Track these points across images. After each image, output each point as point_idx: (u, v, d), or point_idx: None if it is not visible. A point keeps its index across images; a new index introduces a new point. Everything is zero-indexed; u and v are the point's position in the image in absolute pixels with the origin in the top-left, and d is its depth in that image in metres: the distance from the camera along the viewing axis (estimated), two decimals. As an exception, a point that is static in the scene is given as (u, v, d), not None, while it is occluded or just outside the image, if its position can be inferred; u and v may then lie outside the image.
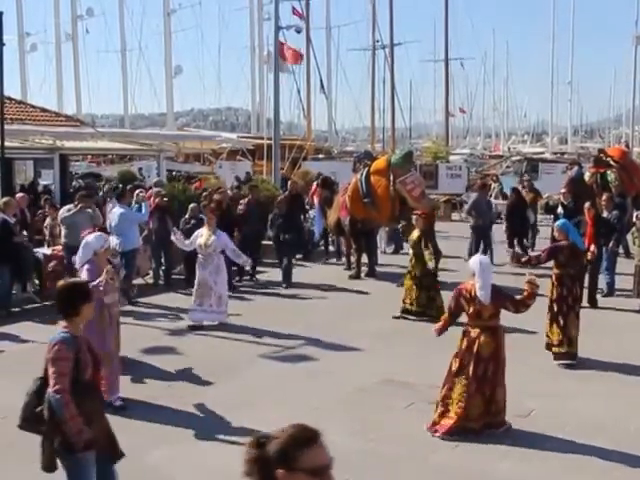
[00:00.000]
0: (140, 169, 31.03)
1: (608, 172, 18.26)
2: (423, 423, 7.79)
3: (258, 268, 16.42)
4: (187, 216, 14.81)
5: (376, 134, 58.79)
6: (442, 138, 49.41)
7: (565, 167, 25.71)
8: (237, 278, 15.46)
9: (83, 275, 8.32)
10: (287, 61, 25.30)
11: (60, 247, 14.46)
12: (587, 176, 18.47)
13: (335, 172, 26.07)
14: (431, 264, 12.32)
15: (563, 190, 17.17)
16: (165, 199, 15.40)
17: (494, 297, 7.56)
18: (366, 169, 15.70)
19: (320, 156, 36.77)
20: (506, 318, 8.05)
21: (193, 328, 11.95)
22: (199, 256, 12.20)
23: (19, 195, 15.98)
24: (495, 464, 7.01)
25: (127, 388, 8.78)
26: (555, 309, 10.10)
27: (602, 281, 14.03)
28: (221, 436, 7.62)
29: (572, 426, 7.81)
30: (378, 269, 16.73)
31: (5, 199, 13.62)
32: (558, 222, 11.11)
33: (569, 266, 10.12)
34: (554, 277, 10.19)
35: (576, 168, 19.19)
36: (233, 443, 7.26)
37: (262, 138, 33.15)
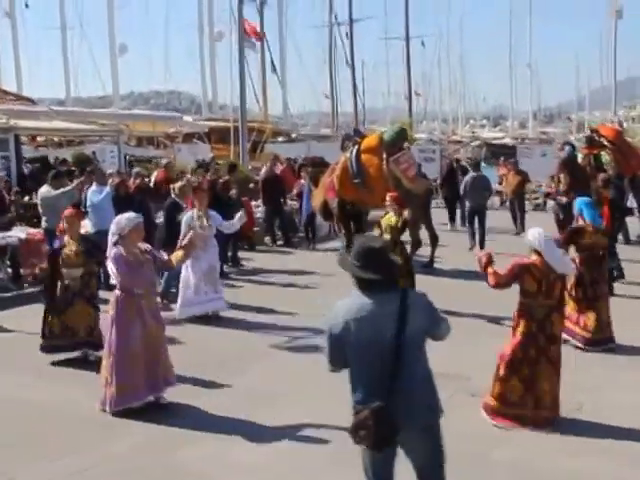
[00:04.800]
0: (93, 152, 29.67)
1: (602, 153, 17.76)
2: (470, 415, 7.15)
3: (240, 254, 15.61)
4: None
5: (327, 119, 57.88)
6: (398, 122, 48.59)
7: (557, 148, 25.28)
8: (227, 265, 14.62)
9: (109, 265, 7.46)
10: (250, 36, 24.21)
11: (34, 231, 13.51)
12: (580, 157, 17.94)
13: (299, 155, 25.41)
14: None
15: (558, 173, 16.65)
16: (146, 180, 14.38)
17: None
18: (356, 147, 14.78)
19: (280, 139, 35.81)
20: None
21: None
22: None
23: (-4, 176, 14.88)
24: (561, 460, 6.38)
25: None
26: (584, 293, 9.49)
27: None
28: (248, 432, 6.96)
29: (626, 417, 7.20)
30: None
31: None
32: (577, 204, 10.31)
33: (592, 248, 9.55)
34: (579, 260, 9.54)
35: (568, 148, 18.59)
36: (262, 439, 6.81)
37: (227, 120, 32.07)
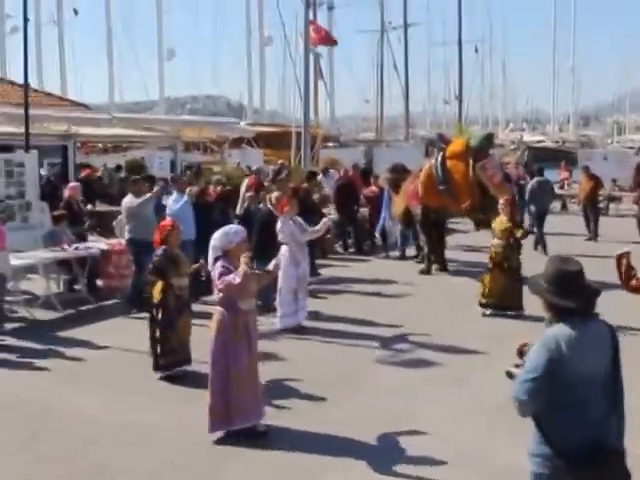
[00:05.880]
0: (142, 159, 29.48)
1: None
2: None
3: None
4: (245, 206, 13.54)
5: (368, 123, 57.38)
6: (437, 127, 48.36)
7: (635, 152, 24.83)
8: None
9: (215, 275, 6.95)
10: (317, 42, 23.77)
11: (114, 241, 13.22)
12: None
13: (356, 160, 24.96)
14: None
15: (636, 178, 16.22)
16: (228, 187, 14.07)
17: None
18: (441, 153, 14.43)
19: (330, 144, 35.45)
20: None
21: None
22: (288, 247, 10.82)
23: (72, 184, 14.61)
24: None
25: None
26: None
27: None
28: (389, 455, 6.57)
29: None
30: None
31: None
32: None
33: None
34: None
35: (642, 152, 18.13)
36: (406, 462, 6.39)
37: (281, 125, 31.78)
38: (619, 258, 6.59)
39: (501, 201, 11.48)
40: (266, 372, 8.56)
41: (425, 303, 12.58)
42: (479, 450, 6.56)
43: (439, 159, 14.33)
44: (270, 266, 7.55)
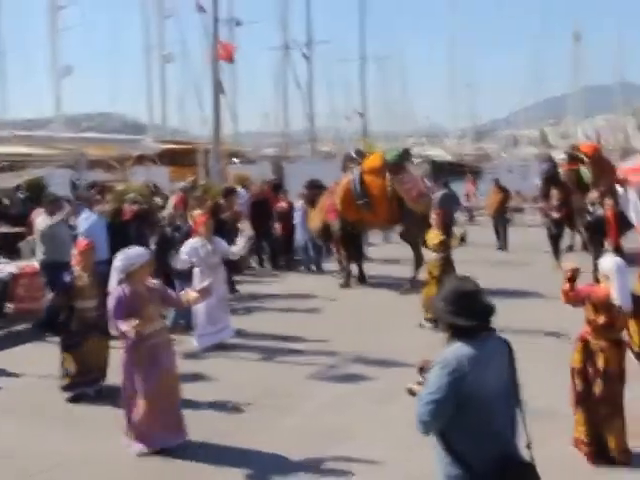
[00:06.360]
0: (42, 178, 28.51)
1: (582, 169, 17.86)
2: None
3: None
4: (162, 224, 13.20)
5: (270, 139, 57.32)
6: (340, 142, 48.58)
7: (539, 165, 25.55)
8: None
9: (109, 304, 6.81)
10: (224, 59, 23.54)
11: (24, 263, 12.68)
12: (562, 173, 18.02)
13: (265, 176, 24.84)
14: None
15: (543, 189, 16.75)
16: (143, 206, 13.70)
17: (634, 304, 6.54)
18: (359, 168, 14.48)
19: (235, 160, 35.15)
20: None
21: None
22: (199, 271, 10.57)
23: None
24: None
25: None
26: None
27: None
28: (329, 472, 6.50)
29: None
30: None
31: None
32: None
33: None
34: None
35: (548, 165, 18.70)
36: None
37: (187, 142, 31.37)
38: (569, 273, 6.71)
39: (432, 215, 11.56)
40: (194, 392, 8.40)
41: (349, 317, 12.51)
42: (415, 465, 6.42)
43: (357, 174, 14.37)
44: (199, 287, 7.49)
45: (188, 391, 8.48)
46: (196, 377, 9.23)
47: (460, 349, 3.86)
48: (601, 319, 6.52)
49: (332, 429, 7.45)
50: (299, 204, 17.42)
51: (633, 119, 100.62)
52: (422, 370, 4.13)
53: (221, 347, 10.59)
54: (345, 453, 6.79)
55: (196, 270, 10.56)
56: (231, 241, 11.47)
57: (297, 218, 17.34)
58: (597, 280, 7.14)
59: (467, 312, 3.89)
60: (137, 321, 6.56)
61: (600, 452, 6.57)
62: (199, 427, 7.32)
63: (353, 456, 6.71)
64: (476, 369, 3.80)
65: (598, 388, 6.56)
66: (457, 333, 3.93)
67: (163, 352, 6.89)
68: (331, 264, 16.98)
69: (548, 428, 7.01)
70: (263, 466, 6.66)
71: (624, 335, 6.82)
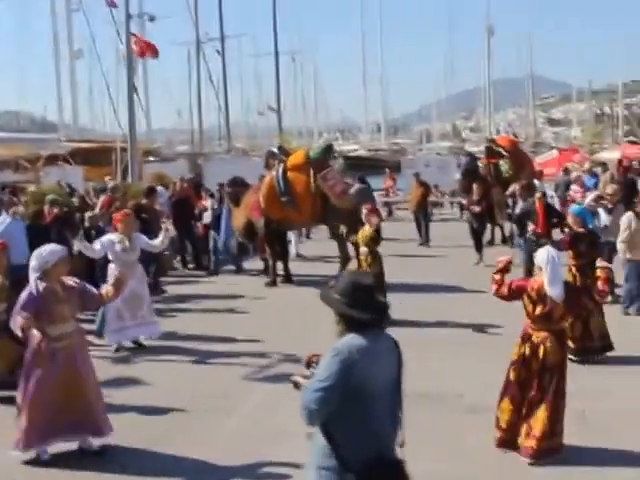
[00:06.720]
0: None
1: (501, 162, 18.24)
2: (467, 435, 7.06)
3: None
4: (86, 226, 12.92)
5: (183, 136, 56.74)
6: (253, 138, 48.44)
7: (457, 163, 25.93)
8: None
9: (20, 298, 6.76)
10: (140, 55, 23.04)
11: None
12: (481, 167, 18.35)
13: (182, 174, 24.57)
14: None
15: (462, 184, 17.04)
16: (65, 209, 13.33)
17: (567, 293, 6.68)
18: (282, 165, 14.41)
19: (151, 158, 34.66)
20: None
21: (131, 349, 10.47)
22: (114, 267, 10.30)
23: None
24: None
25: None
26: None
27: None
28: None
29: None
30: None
31: None
32: (573, 209, 10.46)
33: (589, 255, 9.46)
34: (574, 268, 9.49)
35: (468, 159, 19.02)
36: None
37: (100, 141, 30.69)
38: (499, 262, 6.80)
39: (364, 210, 11.57)
40: (127, 397, 8.35)
41: (277, 316, 12.46)
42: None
43: (280, 171, 14.31)
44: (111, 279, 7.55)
45: (121, 396, 8.47)
46: (128, 381, 9.12)
47: (352, 340, 3.85)
48: (538, 310, 6.63)
49: (271, 430, 7.40)
50: (209, 203, 17.29)
51: (543, 113, 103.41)
52: (309, 364, 4.09)
53: (152, 350, 10.46)
54: (284, 455, 6.69)
55: (111, 266, 10.39)
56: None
57: (208, 218, 17.13)
58: (530, 272, 7.28)
59: (362, 305, 3.88)
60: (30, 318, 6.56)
61: (511, 441, 6.66)
62: (131, 433, 7.23)
63: (292, 458, 6.57)
64: (366, 361, 3.79)
65: (536, 380, 6.62)
66: (350, 326, 3.91)
67: (68, 354, 6.78)
68: (255, 263, 16.90)
69: (471, 422, 7.21)
70: (202, 471, 6.58)
71: (564, 325, 6.89)
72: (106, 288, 7.37)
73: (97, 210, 13.65)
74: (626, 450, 6.71)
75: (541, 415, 6.55)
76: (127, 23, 21.47)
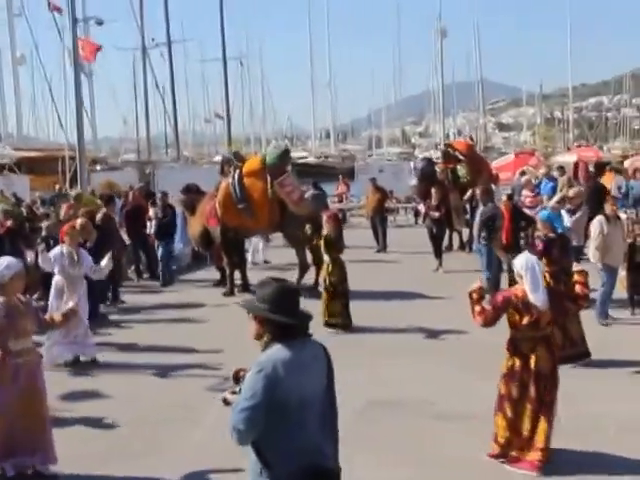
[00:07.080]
0: None
1: (458, 167, 18.25)
2: (430, 441, 7.01)
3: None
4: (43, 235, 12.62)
5: (128, 144, 55.94)
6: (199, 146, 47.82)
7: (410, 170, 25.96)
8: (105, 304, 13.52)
9: None
10: (87, 59, 22.61)
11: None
12: (438, 172, 18.34)
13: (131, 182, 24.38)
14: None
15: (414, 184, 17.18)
16: (17, 221, 12.96)
17: (550, 299, 6.57)
18: (238, 171, 14.17)
19: (97, 167, 34.15)
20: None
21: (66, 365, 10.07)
22: (59, 280, 10.12)
23: None
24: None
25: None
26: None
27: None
28: None
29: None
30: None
31: None
32: (542, 214, 10.35)
33: (561, 260, 9.37)
34: (548, 275, 9.37)
35: (424, 162, 19.00)
36: None
37: (46, 150, 30.11)
38: (471, 294, 6.63)
39: (325, 217, 11.45)
40: (88, 411, 8.18)
41: (236, 325, 12.12)
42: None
43: (236, 177, 14.09)
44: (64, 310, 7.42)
45: (81, 410, 8.28)
46: (88, 395, 8.93)
47: (277, 353, 3.75)
48: (526, 320, 6.46)
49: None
50: (151, 212, 16.79)
51: (492, 117, 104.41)
52: (236, 379, 3.99)
53: (110, 363, 10.18)
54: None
55: (56, 278, 10.11)
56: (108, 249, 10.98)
57: (152, 228, 16.66)
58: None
59: (287, 310, 3.81)
60: None
61: (505, 455, 6.58)
62: (94, 445, 7.10)
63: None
64: (292, 374, 3.70)
65: (531, 391, 6.50)
66: (276, 334, 3.81)
67: (30, 371, 6.59)
68: (211, 272, 16.61)
69: (434, 429, 7.14)
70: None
71: (550, 330, 6.73)
72: (55, 315, 7.32)
73: (62, 217, 13.21)
74: (603, 453, 6.72)
75: (542, 427, 6.48)
76: (74, 28, 21.04)
